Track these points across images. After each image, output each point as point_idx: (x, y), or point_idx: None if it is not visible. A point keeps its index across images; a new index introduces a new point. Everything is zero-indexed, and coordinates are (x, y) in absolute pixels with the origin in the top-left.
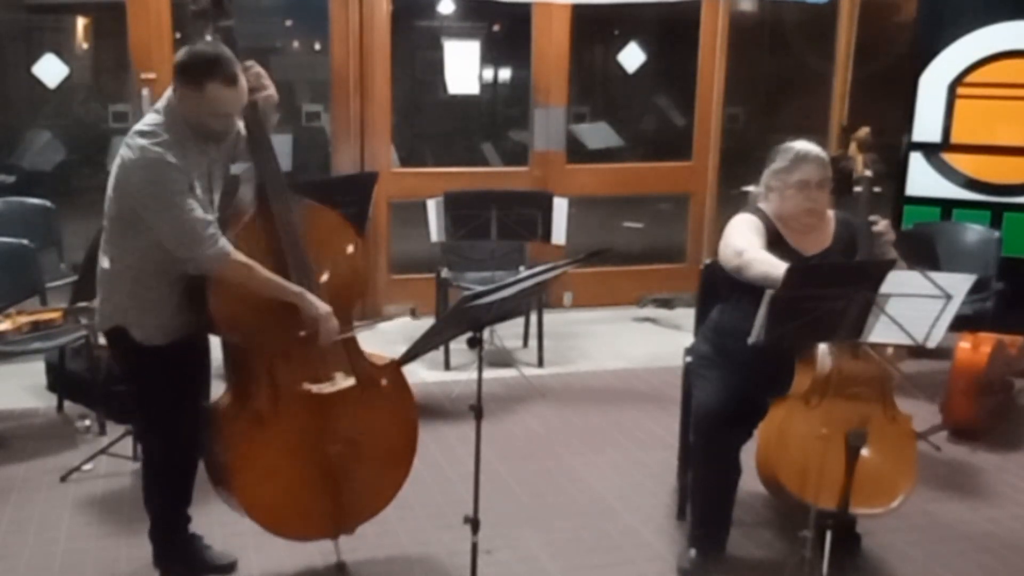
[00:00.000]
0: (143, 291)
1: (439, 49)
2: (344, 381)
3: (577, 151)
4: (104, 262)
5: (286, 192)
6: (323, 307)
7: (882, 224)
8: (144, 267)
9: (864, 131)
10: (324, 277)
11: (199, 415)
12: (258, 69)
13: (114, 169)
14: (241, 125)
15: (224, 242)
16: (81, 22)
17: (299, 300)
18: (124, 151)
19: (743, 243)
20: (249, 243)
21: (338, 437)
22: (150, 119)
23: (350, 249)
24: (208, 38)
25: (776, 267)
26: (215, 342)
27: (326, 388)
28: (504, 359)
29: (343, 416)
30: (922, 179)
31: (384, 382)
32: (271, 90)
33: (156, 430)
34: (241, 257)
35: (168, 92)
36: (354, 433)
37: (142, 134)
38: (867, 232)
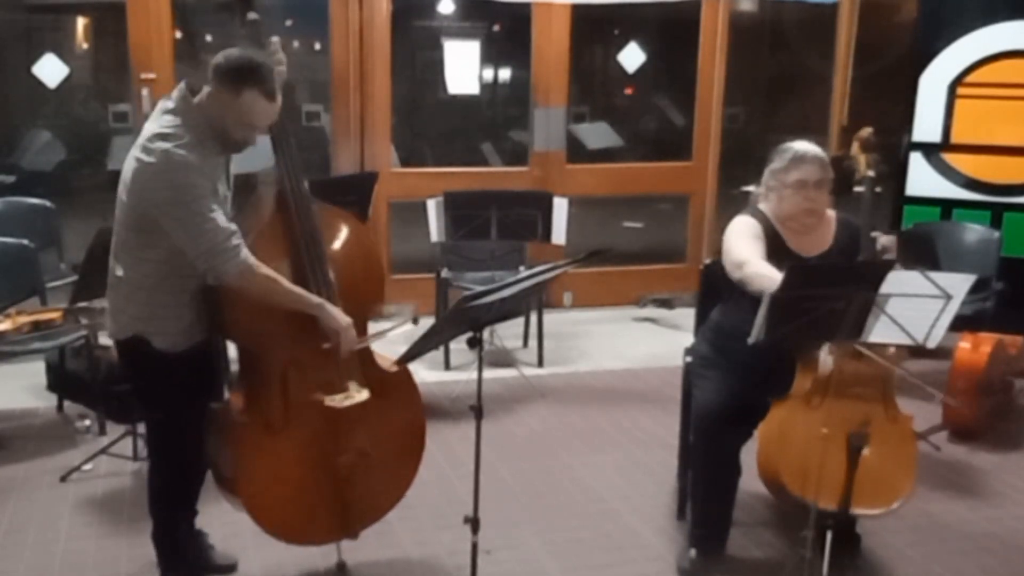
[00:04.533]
0: (163, 299)
1: (439, 49)
2: (358, 394)
3: (577, 151)
4: (118, 270)
5: (306, 195)
6: (344, 319)
7: (884, 240)
8: (162, 275)
9: (867, 131)
10: (345, 279)
11: (208, 418)
12: (281, 55)
13: (129, 174)
14: None
15: (247, 254)
16: (81, 22)
17: (319, 312)
18: (143, 155)
19: (743, 254)
20: (267, 247)
21: (349, 448)
22: (167, 121)
23: (369, 250)
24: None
25: (777, 282)
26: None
27: (339, 401)
28: (504, 359)
29: (356, 428)
30: (922, 179)
31: (395, 386)
32: (283, 67)
33: (167, 435)
34: (264, 270)
35: (179, 92)
36: (365, 443)
37: (163, 137)
38: (869, 236)
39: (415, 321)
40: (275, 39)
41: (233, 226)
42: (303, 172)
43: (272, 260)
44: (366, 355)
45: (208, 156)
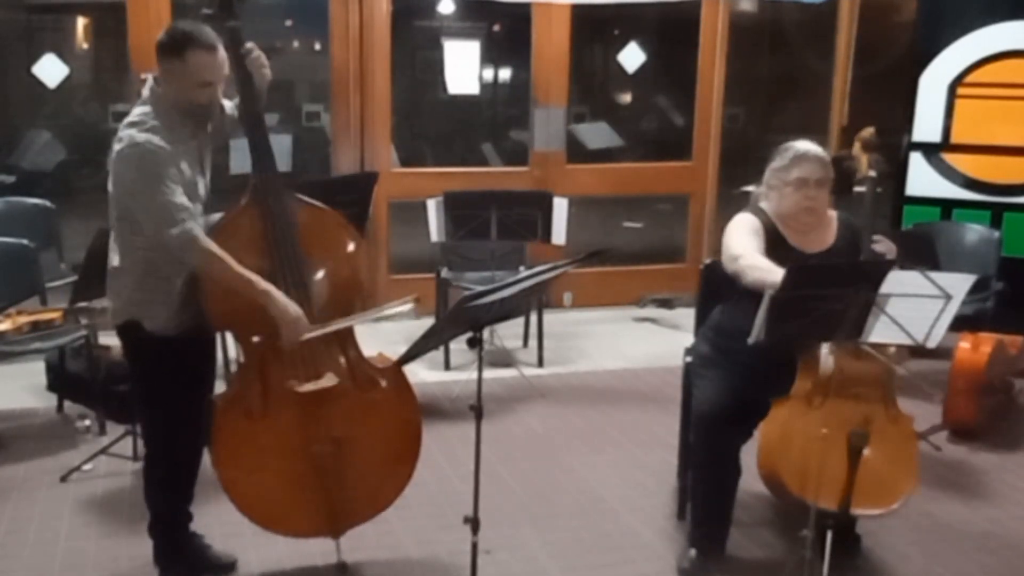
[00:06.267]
0: (152, 283)
1: (439, 49)
2: (328, 381)
3: (577, 151)
4: (114, 260)
5: (276, 173)
6: (292, 309)
7: (883, 245)
8: (150, 260)
9: (869, 131)
10: (320, 275)
11: (203, 410)
12: (258, 52)
13: (109, 165)
14: (229, 104)
15: (192, 226)
16: (81, 22)
17: (266, 299)
18: (115, 144)
19: (739, 248)
20: (236, 233)
21: (322, 437)
22: (138, 110)
23: (349, 248)
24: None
25: (771, 274)
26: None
27: (307, 387)
28: (504, 359)
29: (328, 416)
30: (922, 179)
31: (382, 384)
32: (267, 69)
33: (161, 425)
34: (210, 246)
35: (150, 82)
36: (341, 433)
37: (130, 124)
38: (870, 237)
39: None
40: (250, 44)
41: (187, 203)
42: (272, 162)
43: (243, 247)
44: (350, 347)
45: (177, 140)
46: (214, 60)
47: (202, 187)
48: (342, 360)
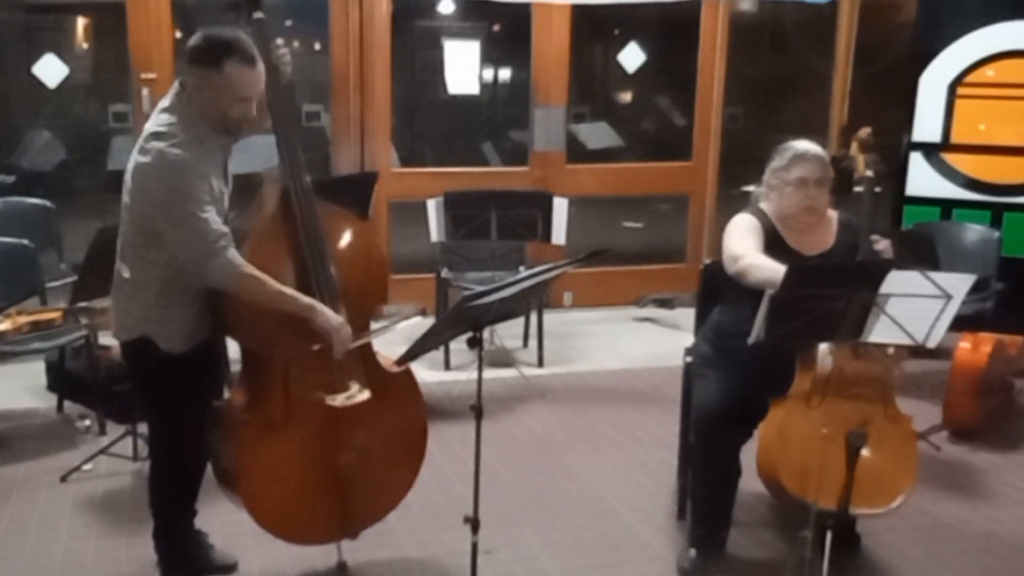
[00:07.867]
0: (168, 301)
1: (439, 49)
2: (360, 394)
3: (577, 151)
4: (124, 272)
5: (310, 193)
6: (335, 319)
7: (883, 244)
8: (167, 277)
9: (866, 131)
10: (349, 280)
11: (208, 416)
12: (284, 49)
13: (129, 175)
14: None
15: (232, 255)
16: (81, 22)
17: (310, 313)
18: (140, 156)
19: (740, 248)
20: (269, 246)
21: (349, 447)
22: (162, 119)
23: (373, 253)
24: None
25: (775, 272)
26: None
27: (341, 400)
28: (504, 359)
29: (356, 428)
30: (922, 179)
31: (396, 386)
32: (288, 67)
33: (170, 433)
34: (250, 271)
35: (174, 90)
36: (366, 443)
37: (157, 136)
38: (868, 237)
39: (423, 313)
40: (279, 41)
41: (224, 228)
42: (302, 163)
43: (275, 258)
44: (368, 355)
45: (205, 152)
46: (254, 74)
47: (226, 198)
48: (363, 368)
